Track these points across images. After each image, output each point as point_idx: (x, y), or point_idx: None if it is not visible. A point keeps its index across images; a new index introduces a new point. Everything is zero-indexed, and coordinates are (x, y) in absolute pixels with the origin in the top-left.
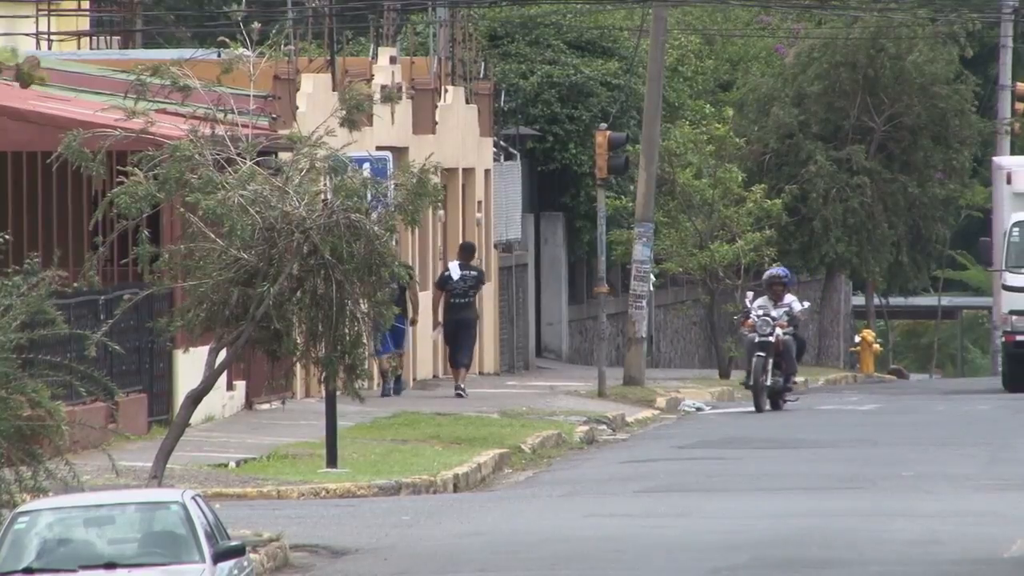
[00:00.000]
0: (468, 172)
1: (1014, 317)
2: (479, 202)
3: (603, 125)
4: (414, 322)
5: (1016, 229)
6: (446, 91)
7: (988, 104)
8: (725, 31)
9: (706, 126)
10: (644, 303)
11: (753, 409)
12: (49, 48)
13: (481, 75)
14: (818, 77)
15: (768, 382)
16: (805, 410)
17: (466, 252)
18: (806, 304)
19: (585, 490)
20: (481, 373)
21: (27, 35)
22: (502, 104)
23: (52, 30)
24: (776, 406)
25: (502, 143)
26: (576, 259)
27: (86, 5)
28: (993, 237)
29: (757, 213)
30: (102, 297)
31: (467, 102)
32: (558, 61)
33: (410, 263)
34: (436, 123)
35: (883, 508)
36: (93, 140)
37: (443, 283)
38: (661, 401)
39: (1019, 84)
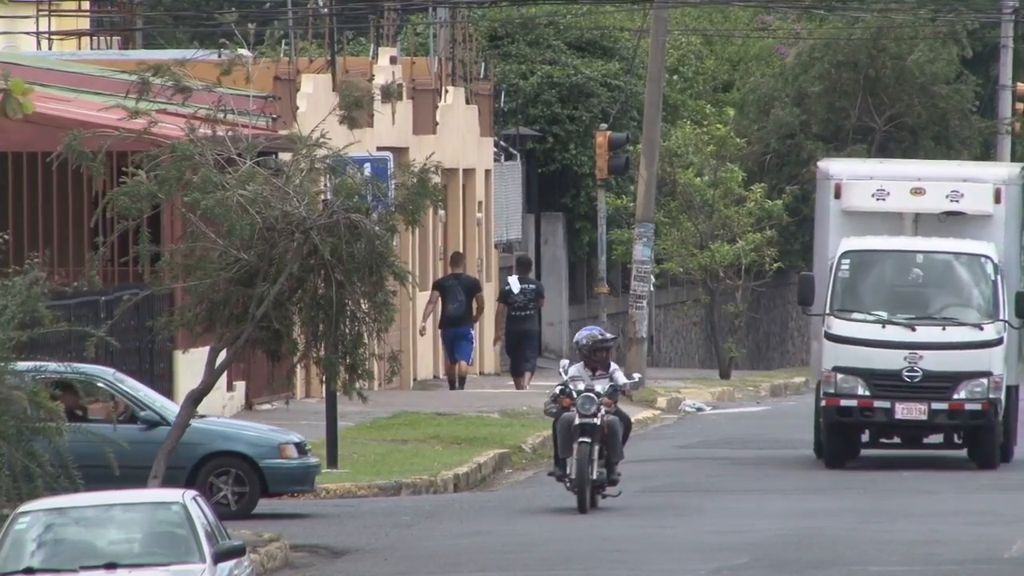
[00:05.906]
0: (468, 172)
1: (840, 376)
2: (479, 202)
3: (603, 126)
4: (476, 317)
5: (846, 261)
6: (446, 91)
7: (989, 104)
8: (725, 32)
9: (707, 126)
10: (644, 303)
11: (575, 507)
12: (49, 48)
13: (481, 75)
14: (819, 77)
15: (594, 475)
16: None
17: (523, 266)
18: (636, 376)
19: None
20: (481, 373)
21: (27, 35)
22: (502, 104)
23: (52, 30)
24: (593, 503)
25: (502, 143)
26: (576, 259)
27: (86, 5)
28: (816, 269)
29: (758, 213)
30: (102, 297)
31: (467, 102)
32: (558, 61)
33: (410, 263)
34: (436, 123)
35: (883, 508)
36: (93, 140)
37: (505, 297)
38: (661, 401)
39: (1019, 84)
